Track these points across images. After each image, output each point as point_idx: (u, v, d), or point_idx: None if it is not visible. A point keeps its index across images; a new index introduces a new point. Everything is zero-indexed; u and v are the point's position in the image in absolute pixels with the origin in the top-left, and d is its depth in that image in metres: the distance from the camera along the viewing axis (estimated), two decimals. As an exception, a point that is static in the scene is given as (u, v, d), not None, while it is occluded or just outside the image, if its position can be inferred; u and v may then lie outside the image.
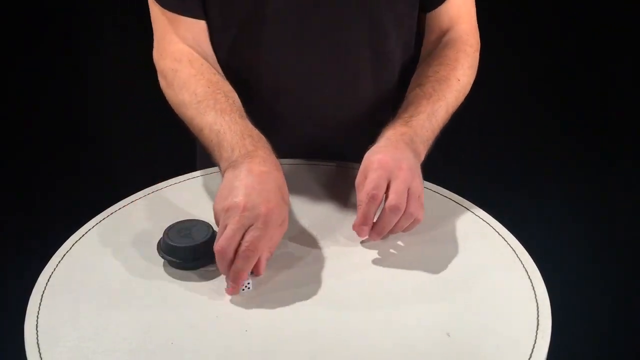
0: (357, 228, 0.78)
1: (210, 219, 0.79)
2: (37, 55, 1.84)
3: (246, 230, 0.71)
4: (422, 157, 0.87)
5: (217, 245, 0.71)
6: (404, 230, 0.81)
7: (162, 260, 0.76)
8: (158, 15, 0.94)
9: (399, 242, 0.82)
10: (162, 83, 0.95)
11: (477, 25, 1.03)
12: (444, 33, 1.02)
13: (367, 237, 0.79)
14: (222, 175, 0.80)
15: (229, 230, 0.71)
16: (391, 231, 0.80)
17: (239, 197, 0.73)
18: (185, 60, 0.92)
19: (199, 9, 0.94)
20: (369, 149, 0.84)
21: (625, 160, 1.92)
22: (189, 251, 0.75)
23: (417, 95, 0.92)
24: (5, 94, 1.86)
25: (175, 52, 0.93)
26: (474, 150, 1.94)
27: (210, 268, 0.76)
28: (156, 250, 0.76)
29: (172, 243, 0.75)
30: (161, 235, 0.76)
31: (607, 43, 1.86)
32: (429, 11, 1.01)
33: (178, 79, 0.91)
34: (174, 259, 0.75)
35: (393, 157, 0.80)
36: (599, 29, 1.84)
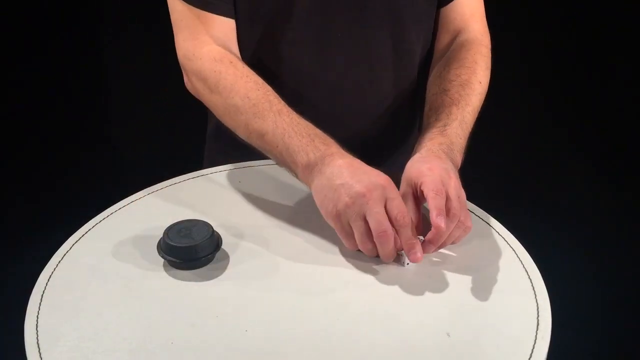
0: (436, 219, 0.73)
1: (210, 219, 0.79)
2: (43, 53, 1.84)
3: (385, 206, 0.73)
4: (459, 165, 0.86)
5: (378, 232, 0.72)
6: (454, 242, 0.79)
7: (162, 260, 0.76)
8: (184, 12, 0.91)
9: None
10: (199, 85, 0.92)
11: (486, 23, 1.04)
12: (457, 32, 1.03)
13: (443, 227, 0.74)
14: (306, 181, 0.81)
15: (374, 214, 0.72)
16: (444, 243, 0.78)
17: (356, 187, 0.74)
18: (226, 61, 0.90)
19: (229, 7, 0.92)
20: (410, 159, 0.84)
21: (626, 160, 1.92)
22: (189, 251, 0.75)
23: (445, 101, 0.92)
24: (5, 93, 1.86)
25: (212, 52, 0.90)
26: (473, 151, 1.94)
27: (211, 268, 0.76)
28: (156, 250, 0.76)
29: (172, 243, 0.75)
30: (161, 235, 0.76)
31: (608, 43, 1.86)
32: (443, 6, 1.02)
33: (224, 81, 0.88)
34: (174, 259, 0.75)
35: (440, 166, 0.80)
36: (599, 29, 1.84)
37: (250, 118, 0.86)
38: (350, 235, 0.76)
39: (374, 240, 0.74)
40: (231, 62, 0.90)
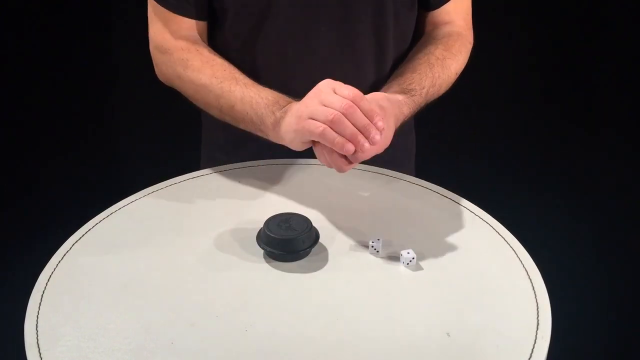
0: None
1: (210, 219, 0.79)
2: (42, 53, 1.84)
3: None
4: (404, 116, 0.91)
5: (337, 111, 0.78)
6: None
7: (162, 260, 0.76)
8: (157, 7, 0.97)
9: (400, 242, 0.82)
10: (170, 73, 0.98)
11: (471, 23, 1.08)
12: (441, 24, 1.07)
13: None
14: (277, 137, 0.87)
15: (326, 96, 0.80)
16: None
17: (309, 95, 0.82)
18: (193, 50, 0.96)
19: (197, 9, 0.97)
20: None
21: (626, 160, 1.92)
22: (290, 243, 0.76)
23: (420, 61, 0.98)
24: (4, 93, 1.86)
25: (179, 43, 0.97)
26: (474, 150, 1.94)
27: (210, 268, 0.77)
28: (155, 250, 0.76)
29: (273, 234, 0.76)
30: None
31: (605, 40, 1.86)
32: (435, 9, 1.05)
33: (191, 67, 0.95)
34: (274, 251, 0.76)
35: (379, 95, 0.88)
36: (593, 28, 1.84)
37: (219, 94, 0.92)
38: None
39: (344, 112, 0.77)
40: (197, 50, 0.96)
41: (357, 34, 0.98)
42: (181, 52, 0.96)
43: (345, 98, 0.79)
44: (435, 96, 0.99)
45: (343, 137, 0.78)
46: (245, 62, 0.99)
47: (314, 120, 0.79)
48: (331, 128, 0.78)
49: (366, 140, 0.78)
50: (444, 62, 0.99)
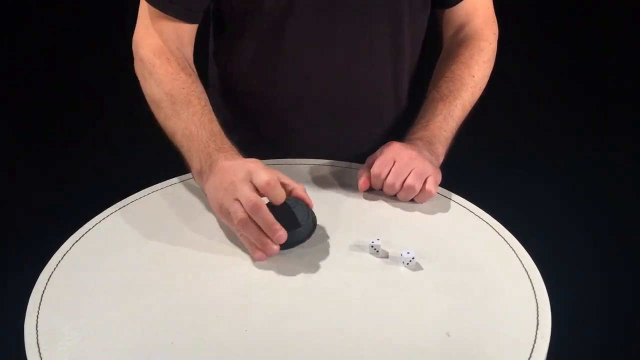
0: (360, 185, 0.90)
1: (209, 219, 0.79)
2: (43, 52, 1.84)
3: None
4: (442, 156, 0.93)
5: (248, 204, 0.74)
6: (416, 200, 0.88)
7: (162, 259, 0.76)
8: (146, 5, 0.95)
9: (400, 242, 0.82)
10: (138, 71, 0.95)
11: (494, 13, 1.06)
12: (461, 28, 1.05)
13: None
14: (200, 184, 0.86)
15: (241, 191, 0.76)
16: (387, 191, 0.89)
17: (226, 178, 0.79)
18: (163, 57, 0.93)
19: (189, 13, 0.95)
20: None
21: (625, 160, 1.92)
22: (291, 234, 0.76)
23: (434, 97, 0.98)
24: (5, 94, 1.86)
25: (154, 45, 0.94)
26: (474, 150, 1.94)
27: (210, 268, 0.76)
28: (155, 250, 0.76)
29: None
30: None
31: (602, 37, 1.86)
32: (450, 7, 1.04)
33: (156, 74, 0.92)
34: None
35: (404, 146, 0.89)
36: (589, 27, 1.84)
37: (167, 115, 0.90)
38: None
39: (249, 212, 0.75)
40: (168, 59, 0.93)
41: (374, 36, 0.98)
42: (152, 56, 0.93)
43: (260, 187, 0.76)
44: (467, 100, 0.99)
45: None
46: (259, 64, 0.99)
47: (228, 219, 0.78)
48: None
49: (271, 242, 0.75)
50: (452, 75, 1.00)
